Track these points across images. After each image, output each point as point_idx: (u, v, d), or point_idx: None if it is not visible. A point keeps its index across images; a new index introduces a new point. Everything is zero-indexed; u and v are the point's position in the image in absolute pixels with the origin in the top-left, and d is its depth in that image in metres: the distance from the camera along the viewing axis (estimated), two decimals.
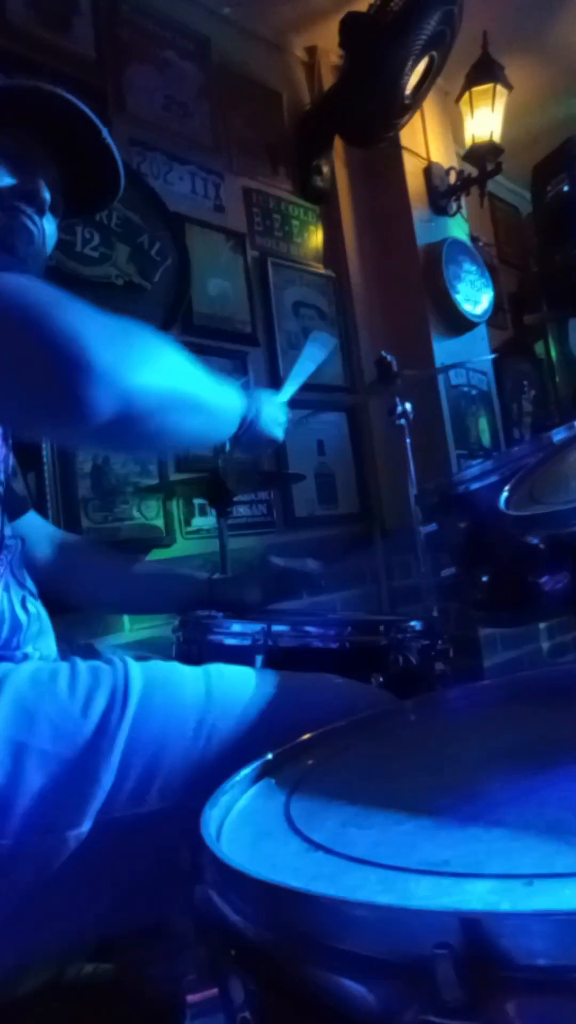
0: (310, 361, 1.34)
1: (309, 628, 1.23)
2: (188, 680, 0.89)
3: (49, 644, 1.02)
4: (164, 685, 0.87)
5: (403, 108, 2.60)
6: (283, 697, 0.93)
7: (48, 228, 0.97)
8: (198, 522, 2.29)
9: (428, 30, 2.38)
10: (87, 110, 0.98)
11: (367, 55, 2.46)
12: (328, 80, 2.96)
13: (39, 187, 0.94)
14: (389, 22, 2.35)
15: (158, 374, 0.78)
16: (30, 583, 1.04)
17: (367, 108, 2.59)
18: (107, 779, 0.76)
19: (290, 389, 1.29)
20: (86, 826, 0.74)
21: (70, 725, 0.78)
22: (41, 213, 0.95)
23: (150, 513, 2.16)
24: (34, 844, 0.73)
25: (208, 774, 0.80)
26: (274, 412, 1.10)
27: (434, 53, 2.52)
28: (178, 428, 0.85)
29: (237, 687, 0.92)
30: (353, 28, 2.42)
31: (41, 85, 0.97)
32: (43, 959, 0.83)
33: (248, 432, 1.02)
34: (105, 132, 1.00)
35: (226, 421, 0.98)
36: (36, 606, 1.02)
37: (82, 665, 0.86)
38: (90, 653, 0.94)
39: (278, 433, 1.11)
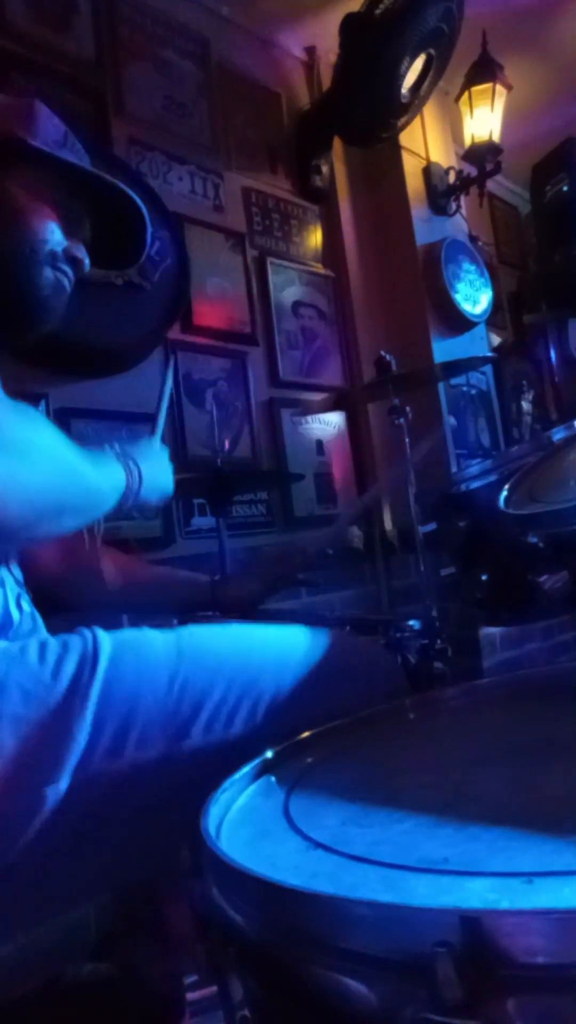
0: (167, 387, 1.34)
1: None
2: (158, 640, 0.91)
3: None
4: (134, 645, 0.88)
5: (400, 107, 2.60)
6: (254, 645, 0.95)
7: None
8: (197, 522, 2.29)
9: (423, 27, 2.38)
10: (143, 209, 1.08)
11: (361, 53, 2.45)
12: (327, 80, 2.96)
13: (83, 253, 1.02)
14: (382, 19, 2.34)
15: (32, 488, 0.77)
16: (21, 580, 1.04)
17: (363, 107, 2.59)
18: (81, 736, 0.78)
19: (160, 423, 1.27)
20: (64, 782, 0.76)
21: (40, 689, 0.79)
22: (78, 275, 1.04)
23: (148, 513, 2.15)
24: (13, 804, 0.74)
25: (185, 725, 0.83)
26: (156, 469, 1.07)
27: (432, 51, 2.51)
28: (55, 529, 0.86)
29: (209, 641, 0.94)
30: (348, 26, 2.41)
31: (119, 185, 1.06)
32: (41, 920, 0.84)
33: (134, 502, 1.01)
34: (149, 229, 1.11)
35: (106, 503, 0.96)
36: (30, 605, 1.02)
37: (52, 639, 0.87)
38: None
39: (166, 490, 1.10)
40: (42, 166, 0.99)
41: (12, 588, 0.98)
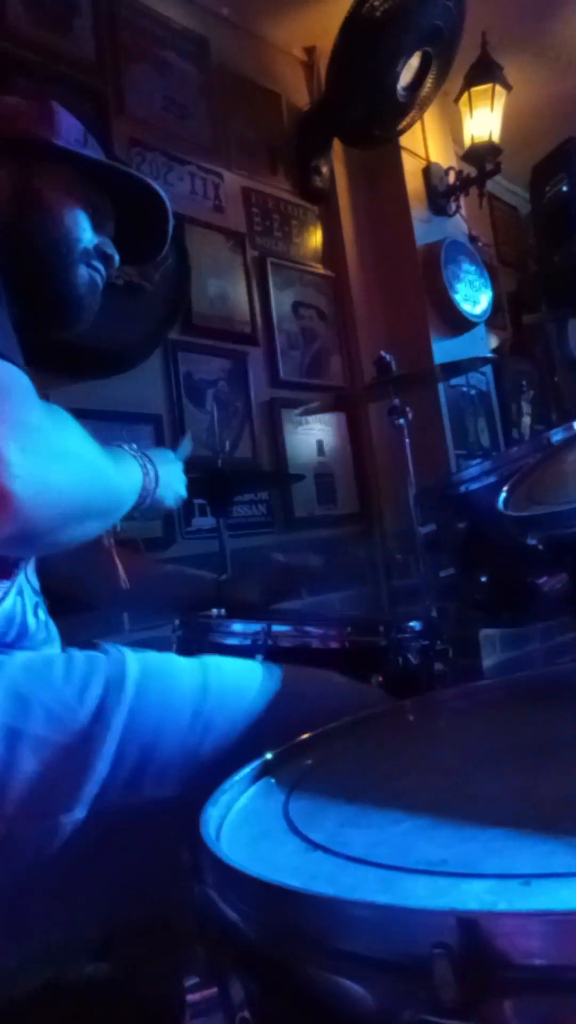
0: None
1: (309, 628, 1.23)
2: (185, 671, 0.90)
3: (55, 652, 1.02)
4: (160, 675, 0.87)
5: (397, 107, 2.58)
6: (281, 691, 0.94)
7: None
8: (198, 522, 2.29)
9: (419, 26, 2.37)
10: (167, 202, 1.09)
11: (354, 52, 2.45)
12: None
13: (114, 251, 1.05)
14: (375, 17, 2.34)
15: (63, 493, 0.76)
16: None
17: (357, 107, 2.57)
18: (102, 766, 0.77)
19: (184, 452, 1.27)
20: (80, 812, 0.75)
21: (65, 712, 0.79)
22: (109, 271, 1.06)
23: (158, 516, 2.16)
24: (29, 829, 0.73)
25: (203, 765, 0.82)
26: (171, 471, 1.07)
27: (429, 49, 2.50)
28: (78, 534, 0.84)
29: (234, 679, 0.93)
30: (344, 26, 2.41)
31: (146, 180, 1.07)
32: (42, 947, 0.84)
33: (147, 504, 1.00)
34: (171, 224, 1.12)
35: (126, 504, 0.95)
36: (45, 614, 1.02)
37: (78, 654, 0.86)
38: (90, 647, 0.94)
39: (180, 493, 1.10)
40: (67, 165, 1.00)
41: (30, 597, 0.97)
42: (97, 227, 1.03)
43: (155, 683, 0.85)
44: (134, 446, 1.01)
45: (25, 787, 0.73)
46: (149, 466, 1.00)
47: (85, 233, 1.01)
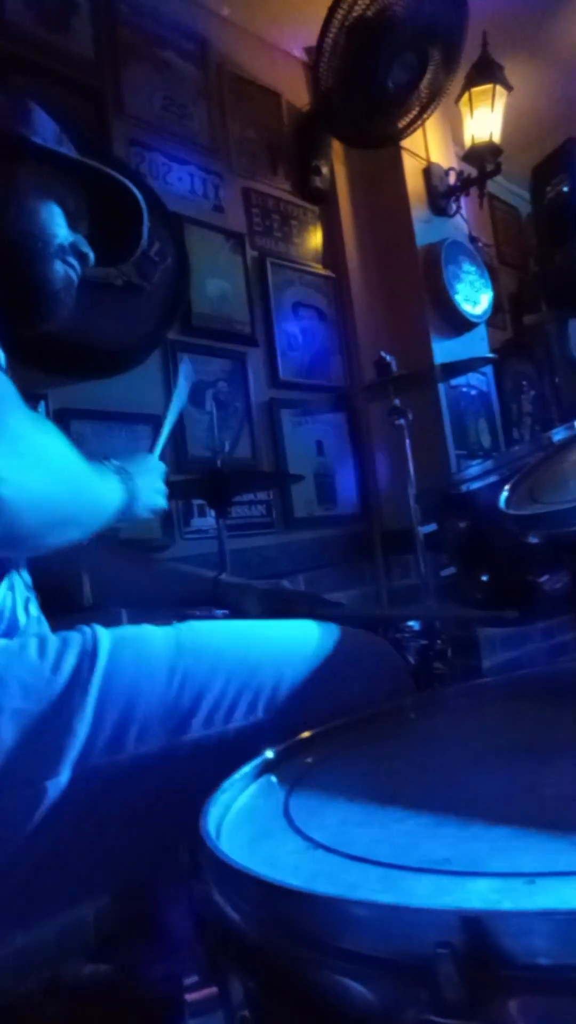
0: (179, 399, 1.33)
1: None
2: (158, 635, 0.91)
3: None
4: (133, 640, 0.88)
5: (391, 103, 2.56)
6: (255, 639, 0.95)
7: None
8: (197, 522, 2.29)
9: (410, 21, 2.36)
10: (142, 201, 1.09)
11: (345, 51, 2.45)
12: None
13: (89, 249, 1.05)
14: (364, 16, 2.33)
15: (46, 499, 0.78)
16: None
17: (347, 104, 2.57)
18: (81, 729, 0.78)
19: (163, 436, 1.27)
20: (64, 775, 0.76)
21: (40, 683, 0.80)
22: (84, 269, 1.06)
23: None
24: (13, 796, 0.75)
25: (186, 718, 0.83)
26: (150, 484, 1.08)
27: (425, 46, 2.49)
28: (60, 539, 0.86)
29: (209, 634, 0.94)
30: (337, 25, 2.41)
31: (118, 177, 1.08)
32: (42, 915, 0.84)
33: (126, 513, 1.02)
34: (146, 225, 1.12)
35: (106, 517, 0.97)
36: (37, 610, 1.02)
37: (52, 635, 0.88)
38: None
39: (159, 502, 1.11)
40: (43, 162, 1.01)
41: (21, 592, 0.98)
42: (72, 225, 1.04)
43: (128, 648, 0.86)
44: (115, 461, 1.03)
45: (5, 758, 0.75)
46: (129, 482, 1.02)
47: (60, 229, 1.02)
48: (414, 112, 2.66)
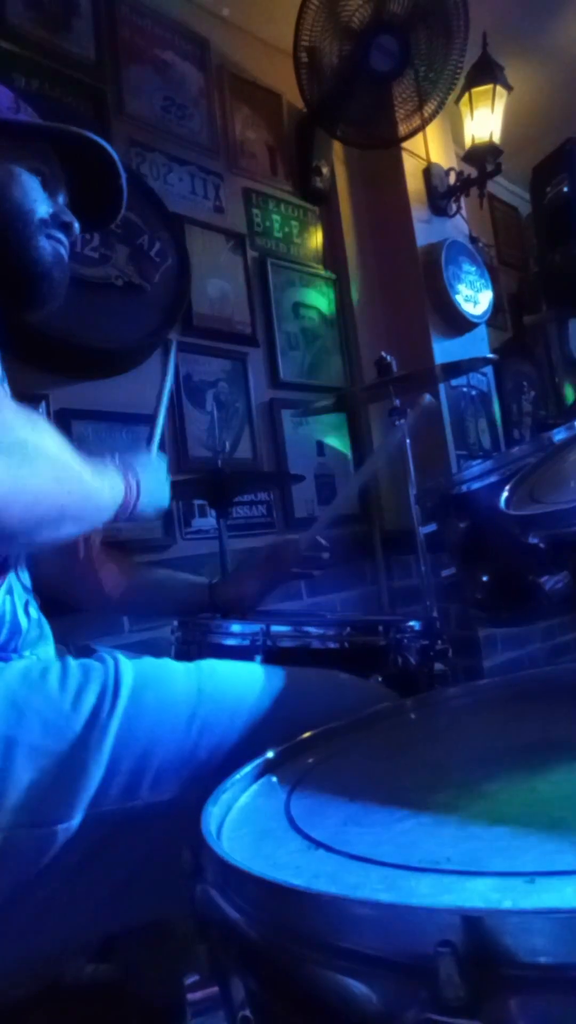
0: (166, 387, 1.31)
1: (308, 628, 1.23)
2: (179, 676, 0.89)
3: (48, 650, 1.02)
4: (155, 680, 0.87)
5: (383, 89, 2.54)
6: (278, 692, 0.93)
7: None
8: (198, 523, 2.29)
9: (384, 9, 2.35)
10: (115, 156, 1.04)
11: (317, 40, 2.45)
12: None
13: (72, 217, 1.00)
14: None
15: (37, 495, 0.76)
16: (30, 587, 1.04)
17: (334, 96, 2.56)
18: (97, 773, 0.76)
19: (158, 430, 1.25)
20: (76, 820, 0.74)
21: (60, 720, 0.78)
22: (71, 239, 1.02)
23: (143, 523, 2.15)
24: (24, 838, 0.73)
25: (201, 769, 0.81)
26: (154, 482, 1.06)
27: (407, 33, 2.47)
28: (54, 536, 0.84)
29: (229, 682, 0.92)
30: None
31: (84, 133, 1.01)
32: (40, 955, 0.83)
33: (130, 514, 1.00)
34: (124, 177, 1.07)
35: (104, 513, 0.95)
36: (37, 612, 1.02)
37: (73, 663, 0.86)
38: (87, 653, 0.94)
39: (161, 504, 1.08)
40: (4, 135, 0.96)
41: (20, 595, 0.97)
42: (50, 194, 1.00)
43: (150, 689, 0.85)
44: (117, 459, 1.01)
45: (20, 796, 0.73)
46: (132, 479, 0.99)
47: (38, 204, 0.97)
48: (412, 101, 2.62)
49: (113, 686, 0.82)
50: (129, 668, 0.85)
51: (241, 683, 0.93)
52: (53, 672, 0.83)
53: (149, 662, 0.90)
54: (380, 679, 1.15)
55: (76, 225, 1.02)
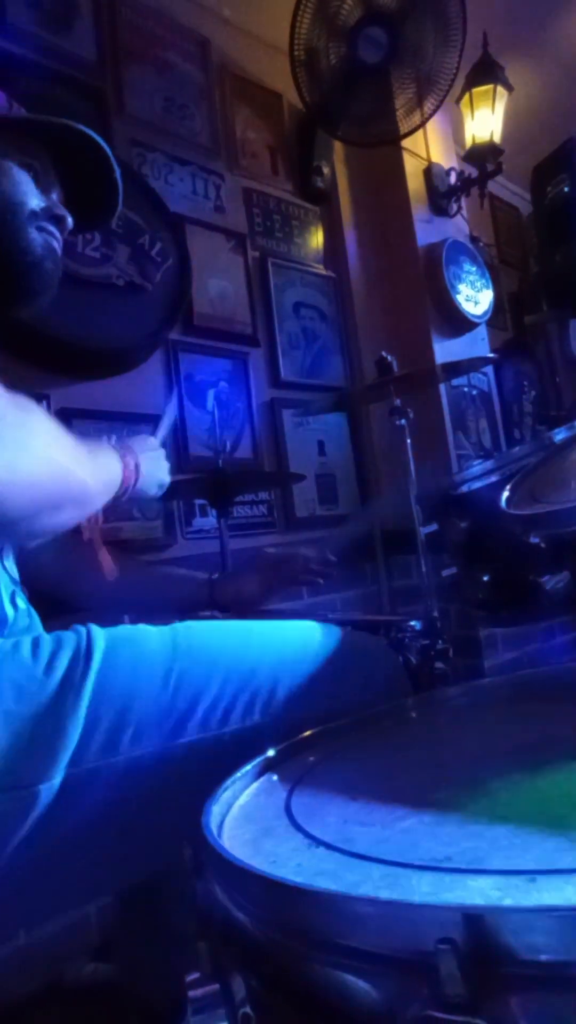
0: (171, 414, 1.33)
1: None
2: (153, 635, 0.90)
3: None
4: (129, 641, 0.88)
5: (377, 81, 2.54)
6: (252, 640, 0.95)
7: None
8: (199, 522, 2.29)
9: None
10: (106, 147, 1.04)
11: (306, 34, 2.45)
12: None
13: (64, 211, 1.00)
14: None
15: (34, 481, 0.76)
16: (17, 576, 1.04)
17: (322, 87, 2.56)
18: (74, 731, 0.77)
19: (167, 425, 1.27)
20: (57, 779, 0.75)
21: (33, 685, 0.79)
22: (64, 234, 1.01)
23: (150, 513, 2.16)
24: (6, 800, 0.74)
25: (181, 721, 0.83)
26: (153, 461, 1.07)
27: (389, 18, 2.46)
28: (53, 523, 0.84)
29: (204, 635, 0.93)
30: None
31: (71, 124, 1.01)
32: (39, 917, 0.84)
33: (129, 495, 1.01)
34: (117, 170, 1.06)
35: (102, 496, 0.95)
36: (25, 602, 1.02)
37: (45, 635, 0.87)
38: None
39: (163, 481, 1.09)
40: None
41: (7, 585, 0.97)
42: (42, 189, 1.00)
43: (123, 648, 0.86)
44: (113, 438, 1.01)
45: None
46: (129, 457, 1.00)
47: (28, 196, 0.97)
48: (411, 99, 2.61)
49: (86, 650, 0.83)
50: (101, 633, 0.86)
51: (218, 636, 0.94)
52: (25, 644, 0.84)
53: (122, 627, 0.91)
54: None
55: (69, 219, 1.01)
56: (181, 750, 0.82)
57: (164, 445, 1.18)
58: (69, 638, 0.85)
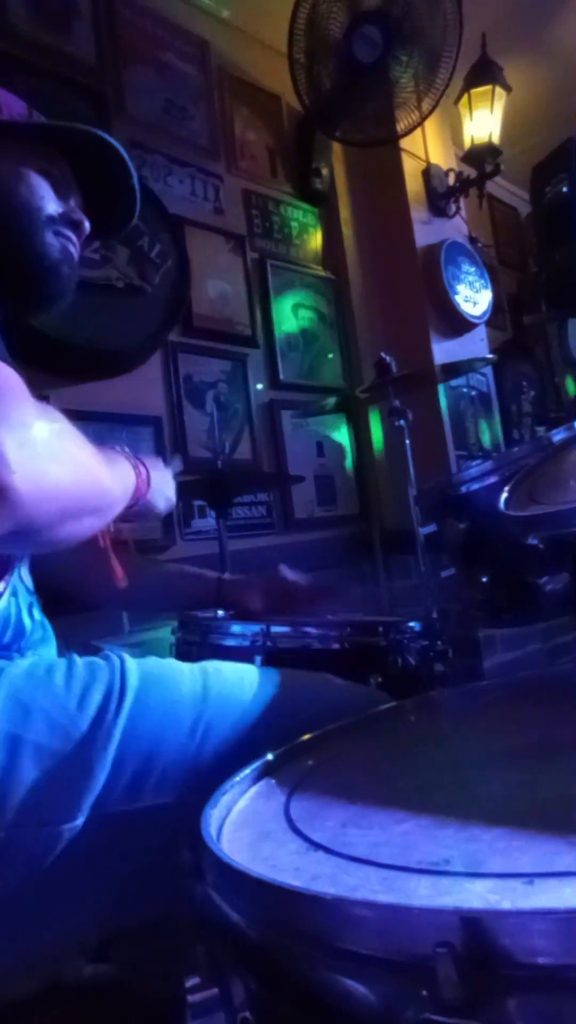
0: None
1: (308, 629, 1.23)
2: (185, 677, 0.89)
3: (51, 652, 1.02)
4: (160, 681, 0.87)
5: (374, 80, 2.55)
6: (281, 696, 0.93)
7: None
8: (198, 523, 2.29)
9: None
10: (124, 154, 1.05)
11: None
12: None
13: (82, 216, 1.02)
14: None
15: (60, 490, 0.75)
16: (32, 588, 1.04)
17: (320, 88, 2.56)
18: (102, 773, 0.77)
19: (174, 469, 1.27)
20: (80, 820, 0.75)
21: (65, 719, 0.79)
22: (81, 240, 1.02)
23: (151, 520, 2.15)
24: (28, 837, 0.73)
25: (204, 772, 0.81)
26: (162, 475, 1.07)
27: (386, 19, 2.47)
28: (75, 531, 0.82)
29: (234, 685, 0.92)
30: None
31: (89, 129, 1.03)
32: (40, 954, 0.83)
33: (139, 506, 1.00)
34: (135, 177, 1.08)
35: (119, 504, 0.94)
36: (41, 614, 1.02)
37: (79, 661, 0.86)
38: (89, 650, 0.94)
39: (170, 498, 1.10)
40: (13, 138, 0.98)
41: (24, 597, 0.97)
42: (60, 196, 1.01)
43: (155, 690, 0.85)
44: (127, 449, 1.01)
45: (25, 795, 0.73)
46: (142, 468, 1.00)
47: (45, 201, 0.98)
48: (409, 97, 2.60)
49: (120, 686, 0.82)
50: (135, 668, 0.85)
51: (245, 687, 0.93)
52: (59, 670, 0.84)
53: (154, 662, 0.90)
54: (380, 680, 1.15)
55: (87, 224, 1.02)
56: (202, 799, 0.81)
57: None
58: (102, 670, 0.84)
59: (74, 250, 1.02)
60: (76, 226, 1.02)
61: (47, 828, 0.74)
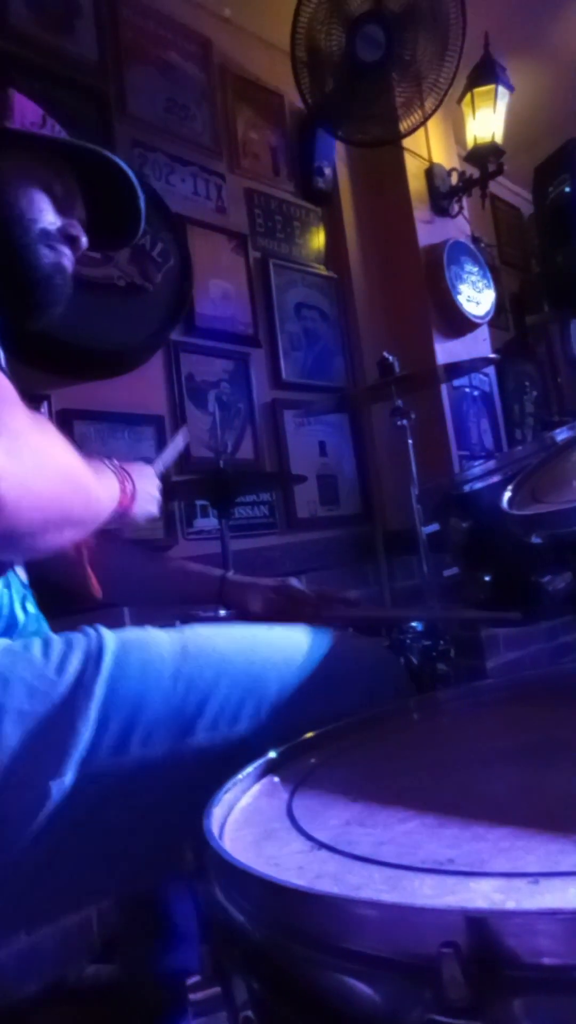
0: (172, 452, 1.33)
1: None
2: (163, 639, 0.91)
3: None
4: (138, 643, 0.88)
5: (369, 81, 2.54)
6: (259, 644, 0.95)
7: None
8: (200, 523, 2.29)
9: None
10: (132, 176, 1.08)
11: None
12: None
13: (80, 232, 1.04)
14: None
15: (45, 498, 0.76)
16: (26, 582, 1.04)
17: (322, 86, 2.56)
18: (85, 730, 0.78)
19: (170, 455, 1.27)
20: (68, 776, 0.76)
21: (45, 685, 0.80)
22: (77, 254, 1.05)
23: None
24: (17, 797, 0.75)
25: (190, 724, 0.83)
26: (146, 494, 1.08)
27: (385, 16, 2.47)
28: (57, 540, 0.83)
29: (212, 638, 0.94)
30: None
31: (98, 149, 1.06)
32: (41, 915, 0.84)
33: (120, 518, 1.01)
34: (142, 198, 1.10)
35: (102, 515, 0.95)
36: (35, 607, 1.02)
37: (55, 636, 0.88)
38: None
39: (151, 512, 1.10)
40: (23, 149, 1.01)
41: (18, 590, 0.98)
42: (63, 210, 1.03)
43: (133, 651, 0.86)
44: (115, 461, 1.02)
45: (9, 759, 0.75)
46: (128, 484, 1.01)
47: (43, 214, 1.01)
48: (413, 97, 2.60)
49: (97, 651, 0.84)
50: (111, 635, 0.87)
51: (225, 640, 0.95)
52: (36, 644, 0.85)
53: (132, 630, 0.92)
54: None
55: (83, 240, 1.05)
56: (190, 751, 0.82)
57: (165, 474, 1.18)
58: (79, 640, 0.86)
59: (67, 263, 1.04)
60: (72, 241, 1.04)
61: (34, 787, 0.75)
